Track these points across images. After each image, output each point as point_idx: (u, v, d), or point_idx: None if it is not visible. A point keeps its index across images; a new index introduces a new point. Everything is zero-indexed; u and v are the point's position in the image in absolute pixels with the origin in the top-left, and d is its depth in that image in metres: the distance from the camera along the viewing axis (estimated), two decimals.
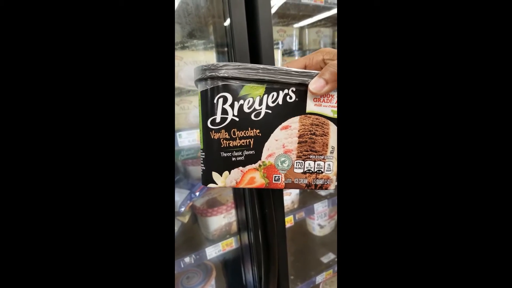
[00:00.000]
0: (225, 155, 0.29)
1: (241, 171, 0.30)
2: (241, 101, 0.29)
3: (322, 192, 0.89)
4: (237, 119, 0.29)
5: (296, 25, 0.97)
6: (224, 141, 0.29)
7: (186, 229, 0.71)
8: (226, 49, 0.62)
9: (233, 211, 0.69)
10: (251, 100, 0.29)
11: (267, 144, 0.30)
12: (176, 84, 0.57)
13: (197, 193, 0.69)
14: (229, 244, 0.68)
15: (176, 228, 0.67)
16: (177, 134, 0.55)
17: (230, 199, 0.70)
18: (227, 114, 0.29)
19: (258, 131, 0.29)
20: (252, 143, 0.30)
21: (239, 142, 0.29)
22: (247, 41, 0.43)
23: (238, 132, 0.29)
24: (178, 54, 0.55)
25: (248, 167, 0.30)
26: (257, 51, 0.44)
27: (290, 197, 0.81)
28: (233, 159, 0.30)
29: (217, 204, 0.69)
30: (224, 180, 0.30)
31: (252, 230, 0.54)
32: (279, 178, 0.31)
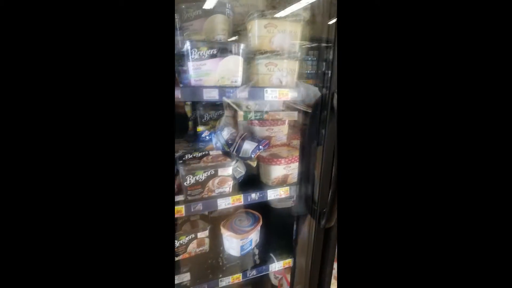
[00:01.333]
0: None
1: None
2: None
3: None
4: None
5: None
6: None
7: (252, 173, 0.84)
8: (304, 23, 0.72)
9: (291, 165, 0.81)
10: None
11: None
12: (268, 48, 0.68)
13: (262, 147, 0.81)
14: (286, 192, 0.81)
15: (244, 172, 0.81)
16: (264, 90, 0.67)
17: (289, 156, 0.82)
18: None
19: None
20: None
21: None
22: None
23: None
24: (274, 22, 0.66)
25: None
26: None
27: None
28: None
29: (279, 157, 0.81)
30: None
31: (320, 178, 0.66)
32: None
